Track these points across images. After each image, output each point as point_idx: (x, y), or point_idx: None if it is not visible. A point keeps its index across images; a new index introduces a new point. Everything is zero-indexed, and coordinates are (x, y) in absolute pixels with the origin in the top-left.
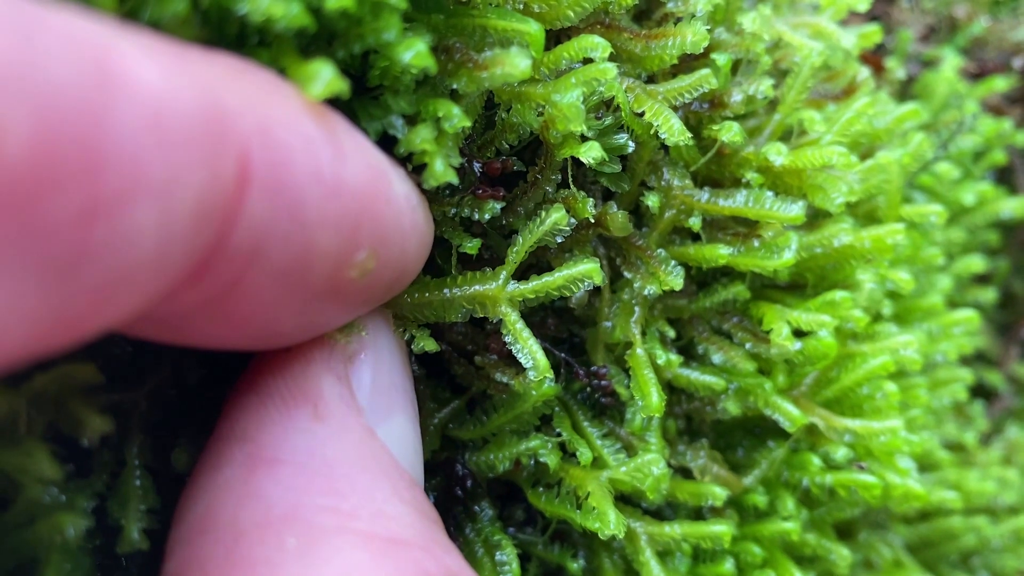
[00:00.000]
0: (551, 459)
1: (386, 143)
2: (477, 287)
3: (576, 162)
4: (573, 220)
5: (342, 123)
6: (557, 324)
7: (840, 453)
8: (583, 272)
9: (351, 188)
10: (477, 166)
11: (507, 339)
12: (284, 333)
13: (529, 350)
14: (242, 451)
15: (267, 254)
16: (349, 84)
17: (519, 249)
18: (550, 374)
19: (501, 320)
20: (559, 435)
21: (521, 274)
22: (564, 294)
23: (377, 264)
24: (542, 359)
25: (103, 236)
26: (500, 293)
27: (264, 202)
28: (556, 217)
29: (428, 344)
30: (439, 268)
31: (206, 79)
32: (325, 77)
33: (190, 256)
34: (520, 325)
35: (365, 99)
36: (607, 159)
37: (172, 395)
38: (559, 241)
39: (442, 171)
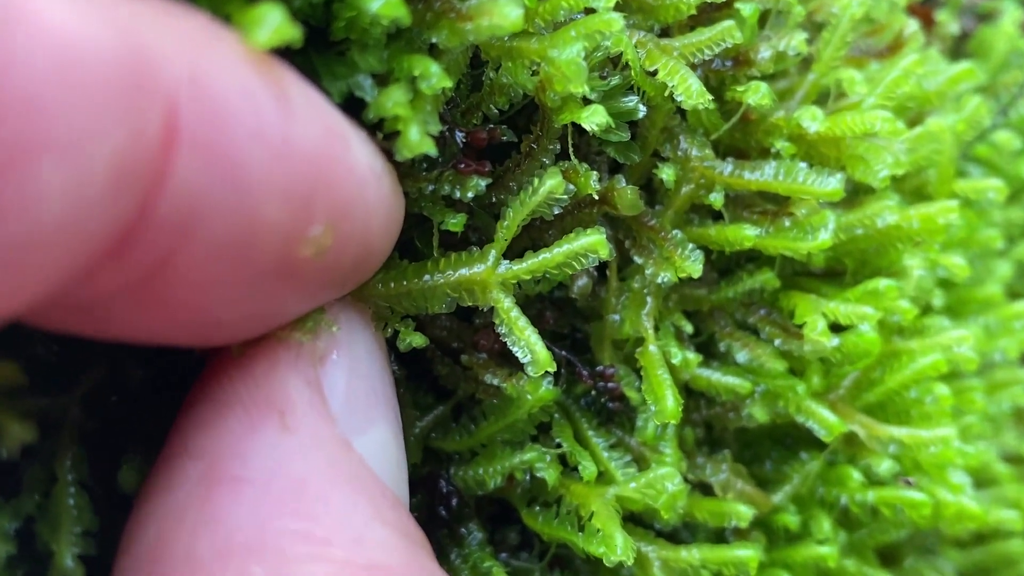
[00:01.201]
0: (550, 474)
1: (353, 108)
2: (463, 271)
3: (577, 130)
4: (571, 187)
5: (292, 77)
6: (557, 318)
7: (884, 466)
8: (587, 246)
9: (301, 151)
10: (460, 135)
11: (500, 330)
12: (229, 323)
13: (527, 341)
14: (197, 468)
15: (202, 226)
16: (304, 33)
17: (509, 223)
18: (552, 368)
19: (492, 309)
20: (559, 446)
21: (515, 258)
22: (565, 273)
23: (336, 241)
24: (542, 351)
25: None
26: (490, 276)
27: (196, 164)
28: (551, 184)
29: (415, 339)
30: (419, 253)
31: (127, 20)
32: (272, 22)
33: (109, 226)
34: (516, 313)
35: (328, 55)
36: (614, 126)
37: (113, 401)
38: (556, 212)
39: (418, 140)
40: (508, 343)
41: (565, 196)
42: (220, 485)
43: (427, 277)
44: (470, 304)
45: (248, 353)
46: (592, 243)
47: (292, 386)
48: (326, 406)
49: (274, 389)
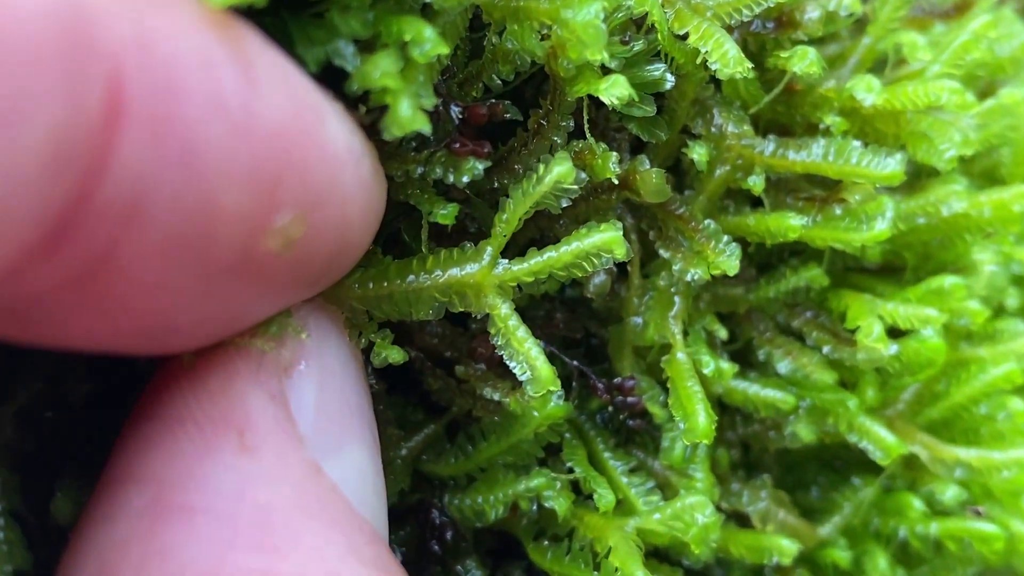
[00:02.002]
0: (560, 502)
1: (331, 78)
2: (454, 271)
3: (594, 103)
4: (583, 175)
5: (257, 41)
6: (568, 320)
7: (949, 494)
8: (600, 244)
9: (267, 127)
10: (456, 110)
11: (496, 340)
12: (182, 328)
13: (526, 355)
14: (143, 496)
15: (151, 214)
16: None
17: (509, 216)
18: (556, 387)
19: (488, 316)
20: (571, 470)
21: (517, 253)
22: (575, 276)
23: (307, 232)
24: (544, 368)
25: None
26: (486, 277)
27: (145, 142)
28: (560, 171)
29: (392, 353)
30: (405, 248)
31: None
32: None
33: (42, 213)
34: (514, 322)
35: (303, 18)
36: (637, 98)
37: (48, 419)
38: (564, 204)
39: (409, 116)
40: (504, 356)
41: (575, 186)
42: (169, 515)
43: (412, 278)
44: (461, 310)
45: (202, 363)
46: (607, 241)
47: (253, 401)
48: (292, 424)
49: (232, 405)
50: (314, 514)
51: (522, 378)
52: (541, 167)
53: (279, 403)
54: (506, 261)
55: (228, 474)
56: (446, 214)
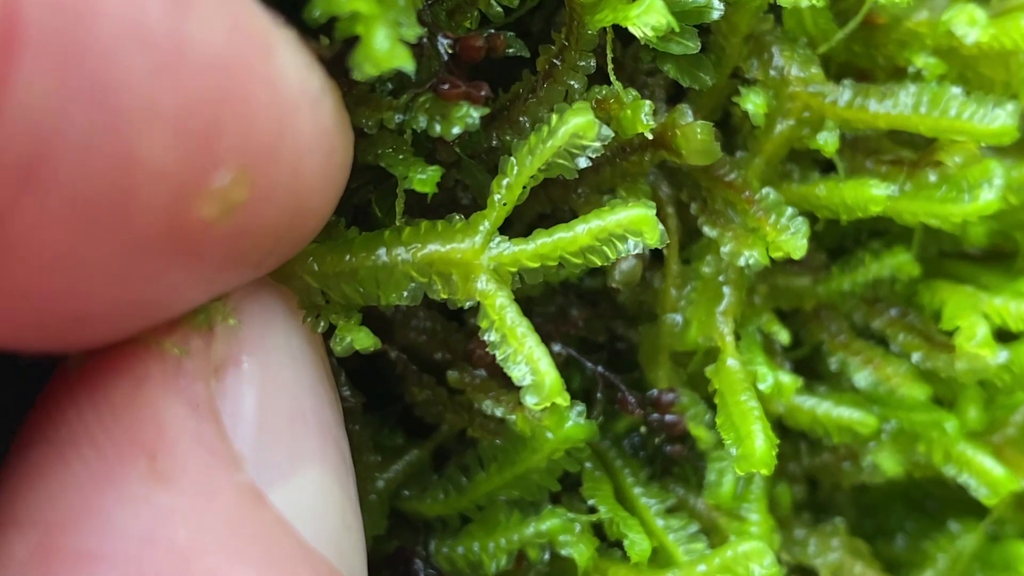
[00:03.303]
0: (580, 551)
1: (286, 2)
2: (435, 246)
3: (623, 37)
4: (607, 130)
5: None
6: (587, 318)
7: None
8: (627, 223)
9: (200, 59)
10: (445, 43)
11: (489, 337)
12: (93, 318)
13: (526, 356)
14: (28, 542)
15: (53, 169)
16: None
17: (512, 182)
18: (563, 400)
19: (478, 305)
20: (593, 510)
21: (523, 231)
22: (592, 261)
23: (250, 196)
24: (549, 373)
25: None
26: (476, 257)
27: (45, 76)
28: (578, 123)
29: (358, 338)
30: (376, 220)
31: None
32: None
33: None
34: (512, 315)
35: None
36: (676, 30)
37: None
38: (583, 165)
39: (386, 49)
40: (498, 357)
41: (597, 143)
42: (61, 565)
43: (382, 252)
44: (444, 296)
45: (101, 367)
46: (635, 220)
47: (168, 414)
48: (223, 441)
49: (140, 419)
50: (249, 557)
51: (520, 383)
52: (554, 118)
53: (204, 415)
54: (504, 240)
55: (136, 510)
56: (425, 179)
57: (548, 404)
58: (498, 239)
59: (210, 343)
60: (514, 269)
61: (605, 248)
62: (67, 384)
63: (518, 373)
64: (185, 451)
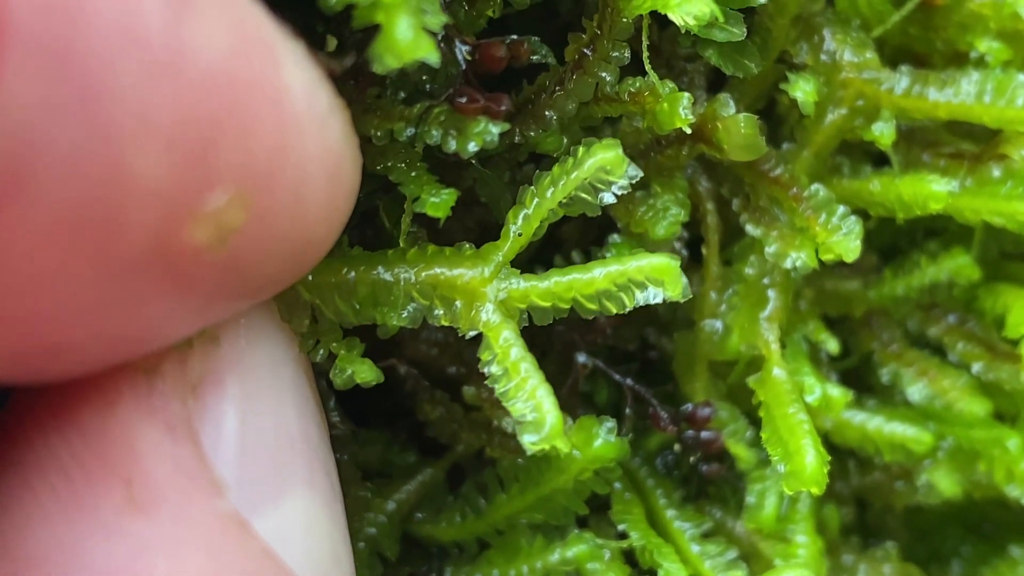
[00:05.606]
0: None
1: (295, 7)
2: (441, 269)
3: (659, 23)
4: (635, 171)
5: None
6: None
7: None
8: (646, 271)
9: (199, 68)
10: (464, 49)
11: (490, 370)
12: (74, 347)
13: (528, 393)
14: None
15: (36, 181)
16: None
17: (531, 212)
18: (564, 445)
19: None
20: (623, 535)
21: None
22: (608, 312)
23: (249, 220)
24: (551, 412)
25: None
26: (484, 285)
27: (31, 80)
28: (605, 157)
29: (360, 370)
30: (384, 238)
31: None
32: None
33: None
34: (518, 351)
35: None
36: (719, 17)
37: None
38: (608, 202)
39: (410, 39)
40: (498, 391)
41: (625, 179)
42: None
43: (382, 270)
44: (446, 322)
45: (71, 389)
46: (656, 268)
47: (142, 436)
48: (204, 465)
49: (112, 443)
50: None
51: (520, 419)
52: (580, 150)
53: (182, 437)
54: (514, 274)
55: (111, 543)
56: (439, 203)
57: (547, 446)
58: (508, 271)
59: (187, 358)
60: (523, 306)
61: (622, 295)
62: (30, 405)
63: (517, 409)
64: (162, 477)
